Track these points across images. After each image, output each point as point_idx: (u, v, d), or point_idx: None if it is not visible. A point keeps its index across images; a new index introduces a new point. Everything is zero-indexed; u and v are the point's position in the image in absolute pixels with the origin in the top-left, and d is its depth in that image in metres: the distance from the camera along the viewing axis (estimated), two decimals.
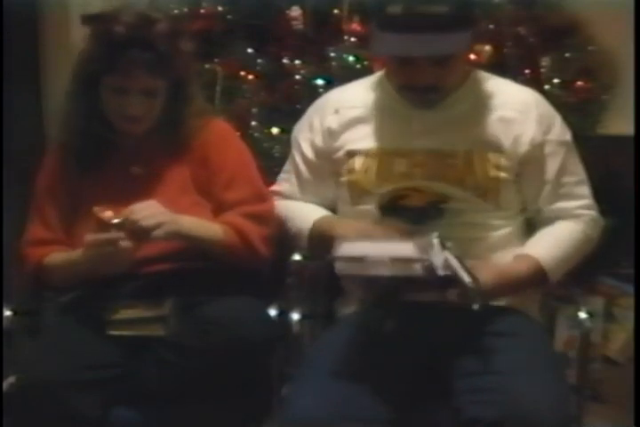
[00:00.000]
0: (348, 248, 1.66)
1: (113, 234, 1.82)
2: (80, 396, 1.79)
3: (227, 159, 2.02)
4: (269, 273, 2.08)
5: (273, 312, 1.94)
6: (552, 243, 1.89)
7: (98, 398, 1.82)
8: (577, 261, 1.92)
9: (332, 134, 1.96)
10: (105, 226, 1.83)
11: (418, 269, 1.58)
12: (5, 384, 1.87)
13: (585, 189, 1.95)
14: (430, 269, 1.58)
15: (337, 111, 1.97)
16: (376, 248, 1.63)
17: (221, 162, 2.01)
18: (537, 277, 1.85)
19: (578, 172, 1.95)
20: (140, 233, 1.83)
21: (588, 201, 1.95)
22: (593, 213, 1.95)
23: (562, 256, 1.88)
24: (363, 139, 1.92)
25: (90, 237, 1.85)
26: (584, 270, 1.96)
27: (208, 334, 1.81)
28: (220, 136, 2.06)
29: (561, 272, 1.89)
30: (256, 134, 2.52)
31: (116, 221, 1.82)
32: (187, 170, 2.01)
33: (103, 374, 1.83)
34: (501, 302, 1.85)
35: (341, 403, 1.66)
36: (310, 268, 2.05)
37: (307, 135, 2.01)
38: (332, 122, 1.96)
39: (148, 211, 1.84)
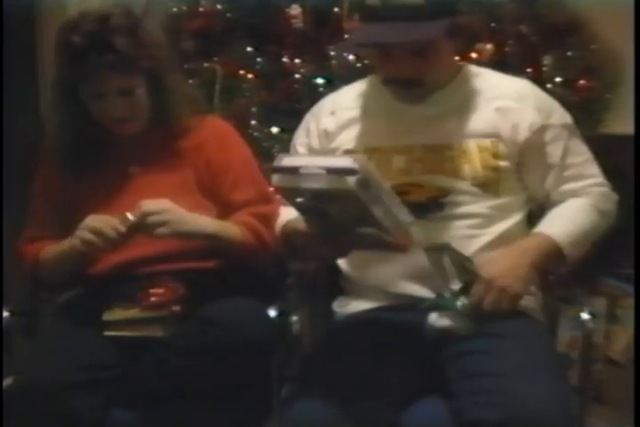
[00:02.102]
0: (286, 160, 1.65)
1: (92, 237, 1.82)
2: (79, 397, 1.78)
3: (230, 160, 2.02)
4: (270, 274, 2.07)
5: (273, 313, 1.93)
6: (563, 218, 1.89)
7: (97, 399, 1.81)
8: (593, 237, 1.91)
9: (328, 136, 1.96)
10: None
11: (352, 182, 1.55)
12: (3, 385, 1.86)
13: (593, 168, 1.95)
14: (365, 183, 1.56)
15: (333, 113, 1.98)
16: (313, 161, 1.62)
17: (225, 163, 2.01)
18: (552, 254, 1.84)
19: (583, 151, 1.95)
20: (144, 229, 1.83)
21: (597, 179, 1.95)
22: (603, 188, 1.95)
23: (575, 231, 1.86)
24: (359, 138, 1.93)
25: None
26: (586, 271, 1.95)
27: (207, 334, 1.80)
28: (221, 136, 2.05)
29: (578, 248, 1.87)
30: (256, 134, 2.52)
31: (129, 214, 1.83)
32: (189, 171, 2.00)
33: (102, 375, 1.83)
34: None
35: (341, 404, 1.65)
36: (310, 268, 2.05)
37: (303, 140, 2.01)
38: (329, 124, 1.97)
39: (157, 207, 1.83)
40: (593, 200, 1.92)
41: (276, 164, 1.64)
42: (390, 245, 1.69)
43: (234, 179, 2.00)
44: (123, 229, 1.82)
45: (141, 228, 1.83)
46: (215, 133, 2.04)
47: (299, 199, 1.67)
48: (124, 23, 1.91)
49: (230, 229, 1.94)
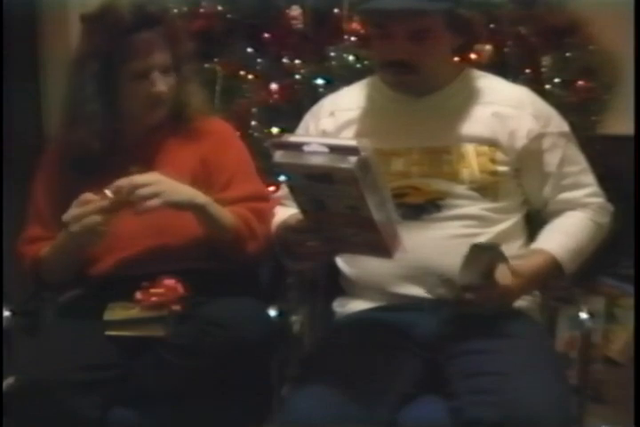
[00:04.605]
0: (290, 138, 1.65)
1: (84, 209, 1.80)
2: (79, 396, 1.78)
3: (225, 161, 2.02)
4: (269, 274, 2.07)
5: (273, 312, 1.93)
6: (563, 234, 1.91)
7: (97, 399, 1.81)
8: (590, 250, 1.94)
9: (326, 137, 1.95)
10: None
11: (353, 161, 1.55)
12: (4, 385, 1.87)
13: (589, 178, 1.97)
14: (365, 166, 1.57)
15: (332, 114, 1.99)
16: (317, 140, 1.62)
17: (220, 163, 2.01)
18: (553, 271, 1.88)
19: (580, 161, 1.97)
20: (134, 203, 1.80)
21: (594, 189, 1.97)
22: (600, 200, 1.97)
23: (575, 247, 1.90)
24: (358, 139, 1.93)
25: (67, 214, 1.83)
26: (585, 270, 1.96)
27: (208, 334, 1.80)
28: (220, 137, 2.06)
29: (576, 263, 1.90)
30: (256, 134, 2.52)
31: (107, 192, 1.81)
32: (185, 170, 1.99)
33: (102, 375, 1.83)
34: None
35: (342, 404, 1.66)
36: (310, 268, 2.05)
37: None
38: (328, 124, 1.98)
39: (147, 178, 1.82)
40: (592, 214, 1.94)
41: (279, 140, 1.64)
42: (378, 248, 1.69)
43: (227, 179, 2.00)
44: (106, 203, 1.80)
45: (130, 202, 1.80)
46: (214, 134, 2.05)
47: (297, 181, 1.66)
48: (161, 10, 1.97)
49: (223, 211, 1.92)
